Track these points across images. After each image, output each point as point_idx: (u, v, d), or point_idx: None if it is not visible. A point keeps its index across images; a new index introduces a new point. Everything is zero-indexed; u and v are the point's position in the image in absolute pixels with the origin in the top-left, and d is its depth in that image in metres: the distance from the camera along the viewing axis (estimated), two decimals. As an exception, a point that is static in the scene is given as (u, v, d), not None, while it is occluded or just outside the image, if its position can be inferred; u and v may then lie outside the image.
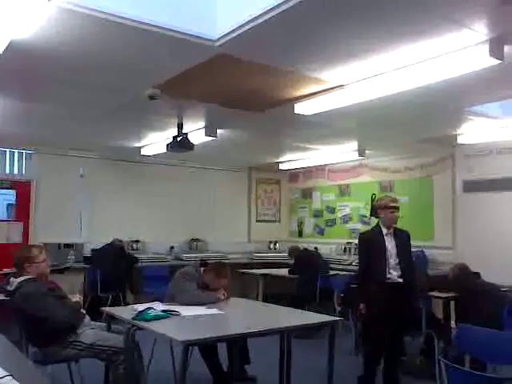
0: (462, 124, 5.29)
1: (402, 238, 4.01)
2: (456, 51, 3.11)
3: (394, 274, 3.87)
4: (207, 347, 3.81)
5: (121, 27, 2.76)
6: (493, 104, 4.61)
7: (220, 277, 3.94)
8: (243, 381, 4.06)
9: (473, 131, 5.54)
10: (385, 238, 3.94)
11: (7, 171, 6.86)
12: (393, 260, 3.89)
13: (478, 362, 2.87)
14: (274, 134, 6.13)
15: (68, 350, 3.14)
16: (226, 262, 7.53)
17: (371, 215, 4.13)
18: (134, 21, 2.73)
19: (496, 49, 2.96)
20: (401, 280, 3.86)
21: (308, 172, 8.93)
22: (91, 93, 4.25)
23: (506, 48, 3.00)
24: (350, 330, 5.14)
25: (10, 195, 7.01)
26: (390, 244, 3.93)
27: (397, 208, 3.99)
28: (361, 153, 7.01)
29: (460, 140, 5.79)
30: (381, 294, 3.77)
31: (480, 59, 3.06)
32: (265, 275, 6.81)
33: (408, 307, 3.89)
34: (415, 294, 4.05)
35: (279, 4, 2.53)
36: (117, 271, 6.38)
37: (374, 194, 4.19)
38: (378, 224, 4.04)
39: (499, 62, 3.03)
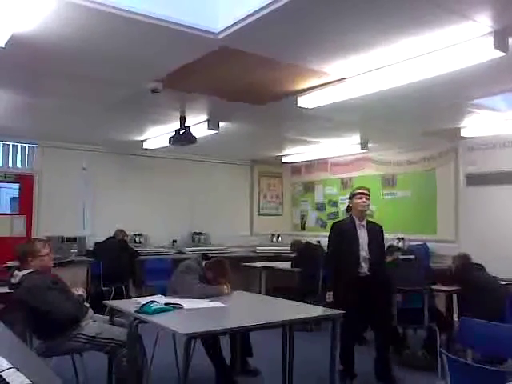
0: (466, 117, 5.27)
1: (374, 230, 4.02)
2: (460, 43, 3.08)
3: (364, 267, 3.90)
4: (210, 340, 3.82)
5: (123, 20, 2.76)
6: (497, 97, 4.57)
7: (221, 277, 3.93)
8: (246, 373, 4.09)
9: (476, 124, 5.52)
10: (357, 229, 3.96)
11: (10, 164, 6.87)
12: (364, 252, 3.91)
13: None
14: (276, 127, 6.11)
15: (71, 342, 3.16)
16: (229, 255, 7.57)
17: (347, 211, 4.21)
18: (137, 14, 2.72)
19: (500, 41, 2.93)
20: (369, 273, 3.90)
21: (310, 165, 8.92)
22: (94, 86, 4.25)
23: (511, 40, 2.98)
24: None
25: (14, 188, 7.03)
26: (362, 236, 3.95)
27: (364, 194, 4.00)
28: (363, 146, 6.99)
29: (463, 133, 5.77)
30: (351, 286, 3.80)
31: (484, 51, 3.03)
32: (267, 268, 6.81)
33: (379, 301, 3.93)
34: (389, 288, 4.09)
35: (281, -3, 2.51)
36: (119, 264, 6.40)
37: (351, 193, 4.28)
38: (350, 215, 4.07)
39: (503, 54, 3.00)
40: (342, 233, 3.99)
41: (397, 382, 3.93)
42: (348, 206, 4.18)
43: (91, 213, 7.25)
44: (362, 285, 3.85)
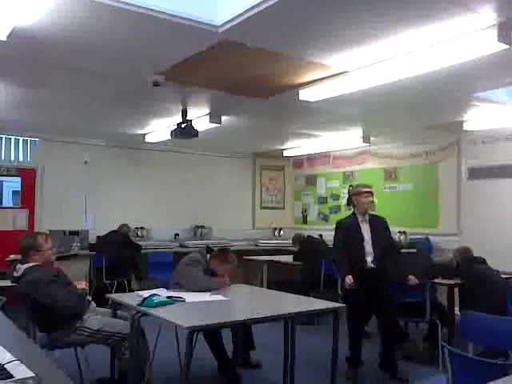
0: (468, 110, 5.25)
1: (377, 223, 4.12)
2: (463, 36, 3.06)
3: (368, 260, 3.99)
4: (212, 333, 3.84)
5: (125, 13, 2.74)
6: (499, 90, 4.55)
7: (225, 263, 3.95)
8: (248, 366, 4.11)
9: (479, 117, 5.50)
10: (360, 224, 4.06)
11: (12, 158, 6.88)
12: (368, 246, 4.00)
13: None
14: (278, 120, 6.10)
15: (74, 335, 3.19)
16: (231, 248, 7.58)
17: (348, 205, 4.37)
18: (138, 6, 2.70)
19: (504, 33, 2.91)
20: (373, 265, 3.98)
21: (312, 159, 8.91)
22: (95, 79, 4.23)
23: (515, 33, 2.96)
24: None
25: (16, 182, 7.04)
26: (366, 231, 4.05)
27: (370, 193, 4.12)
28: (366, 139, 6.98)
29: (466, 126, 5.74)
30: (357, 278, 3.90)
31: (488, 44, 3.01)
32: (269, 262, 6.83)
33: (383, 291, 4.01)
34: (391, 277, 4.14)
35: (283, -11, 2.50)
36: (122, 258, 6.42)
37: (350, 186, 4.37)
38: (353, 212, 4.17)
39: (507, 47, 2.98)
40: (347, 230, 4.11)
41: (401, 373, 3.95)
42: (349, 200, 4.26)
43: (93, 206, 7.26)
44: (368, 277, 3.93)
